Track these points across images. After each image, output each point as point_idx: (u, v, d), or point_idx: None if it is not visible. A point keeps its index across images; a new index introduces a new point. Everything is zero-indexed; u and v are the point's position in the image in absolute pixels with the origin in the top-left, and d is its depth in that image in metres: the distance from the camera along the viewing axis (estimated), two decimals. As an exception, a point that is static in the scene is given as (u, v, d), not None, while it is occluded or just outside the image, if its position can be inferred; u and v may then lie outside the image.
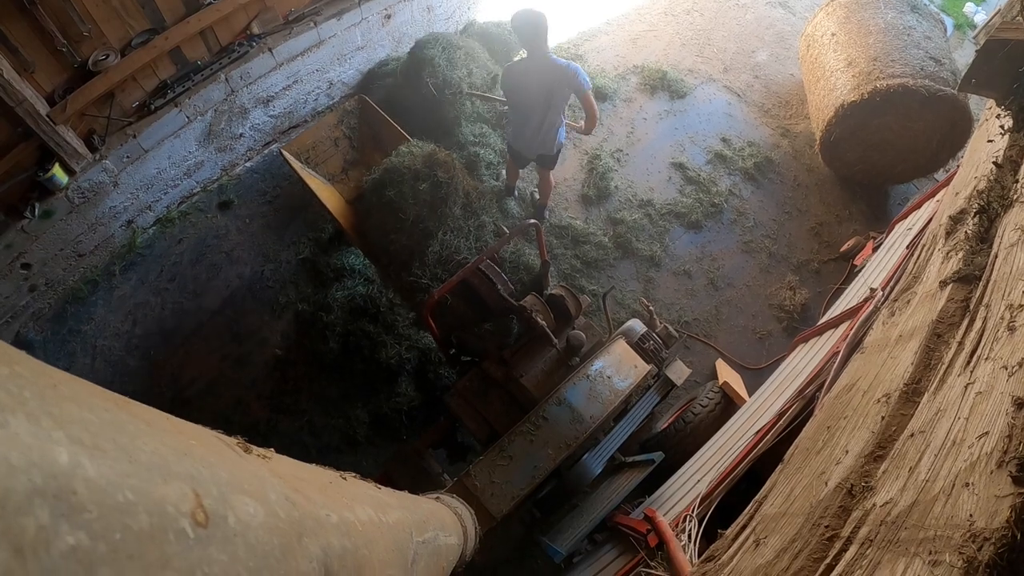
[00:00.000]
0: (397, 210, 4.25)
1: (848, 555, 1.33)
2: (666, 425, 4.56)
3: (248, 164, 6.15)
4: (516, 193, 6.00)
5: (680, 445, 4.24)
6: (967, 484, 1.10)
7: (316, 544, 0.63)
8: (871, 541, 1.29)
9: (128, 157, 5.10)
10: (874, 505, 1.37)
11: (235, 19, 5.33)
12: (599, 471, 3.78)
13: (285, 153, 5.10)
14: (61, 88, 4.60)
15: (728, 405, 4.43)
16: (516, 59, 4.66)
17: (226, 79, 5.36)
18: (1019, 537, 0.93)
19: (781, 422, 2.78)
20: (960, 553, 1.00)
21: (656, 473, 3.91)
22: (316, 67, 6.04)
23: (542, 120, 4.79)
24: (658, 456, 3.90)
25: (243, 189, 6.03)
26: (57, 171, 4.71)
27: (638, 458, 4.06)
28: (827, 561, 1.38)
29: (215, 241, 5.70)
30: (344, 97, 6.50)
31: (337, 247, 5.59)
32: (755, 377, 4.96)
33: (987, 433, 1.13)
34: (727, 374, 4.86)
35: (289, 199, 5.99)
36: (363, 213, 4.53)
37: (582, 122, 4.82)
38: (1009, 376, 1.17)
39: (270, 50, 5.51)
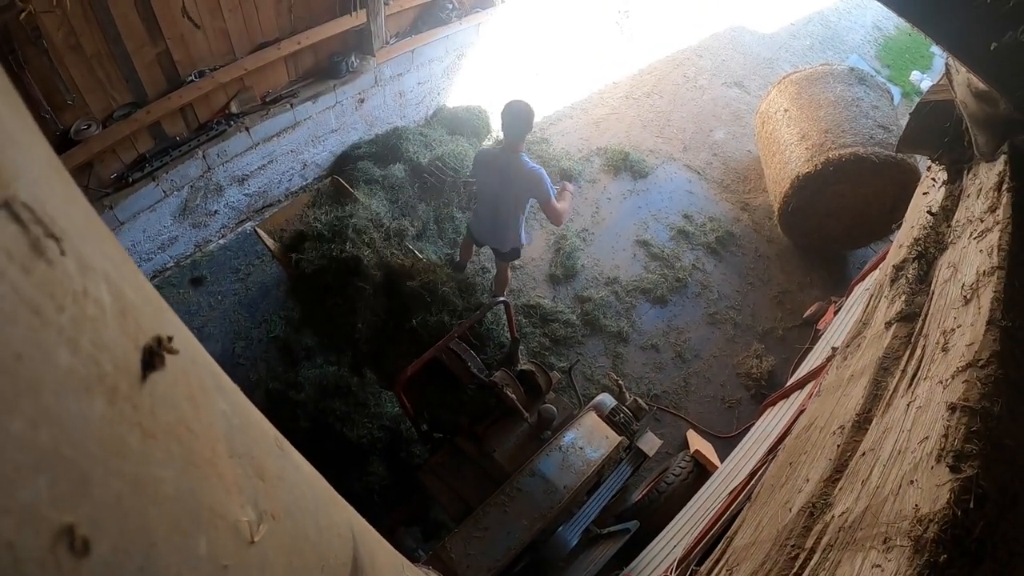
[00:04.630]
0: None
1: (812, 562, 1.41)
2: (640, 496, 4.56)
3: (222, 241, 6.18)
4: (465, 271, 5.82)
5: (655, 515, 4.23)
6: (912, 482, 1.20)
7: (344, 513, 0.76)
8: (832, 546, 1.37)
9: (103, 228, 5.09)
10: (833, 517, 1.45)
11: (214, 97, 5.45)
12: (575, 543, 3.76)
13: (259, 231, 5.17)
14: (41, 154, 4.61)
15: (701, 473, 4.45)
16: (490, 144, 4.68)
17: (203, 156, 5.45)
18: (959, 515, 1.04)
19: (753, 482, 2.83)
20: (909, 536, 1.09)
21: (632, 545, 3.90)
22: (291, 148, 6.17)
23: (497, 212, 4.73)
24: (633, 525, 3.89)
25: (216, 266, 6.03)
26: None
27: (613, 528, 4.05)
28: (794, 571, 1.44)
29: (186, 317, 5.65)
30: (317, 179, 6.63)
31: (307, 326, 5.57)
32: (726, 445, 5.00)
33: (927, 438, 1.24)
34: (698, 443, 4.89)
35: (261, 277, 6.01)
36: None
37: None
38: (944, 389, 1.28)
39: (247, 129, 5.63)
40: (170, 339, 0.46)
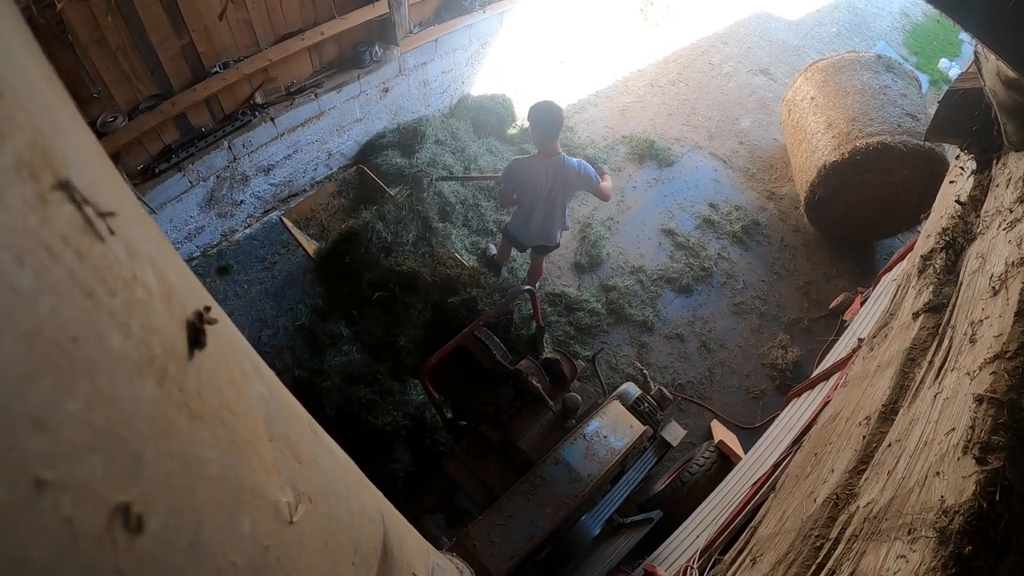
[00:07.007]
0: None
1: (837, 552, 1.41)
2: (663, 486, 4.55)
3: (248, 231, 6.24)
4: (503, 272, 5.93)
5: (678, 505, 4.23)
6: (938, 473, 1.20)
7: (375, 498, 0.79)
8: (856, 536, 1.37)
9: (130, 220, 5.16)
10: (858, 507, 1.44)
11: (239, 88, 5.50)
12: (597, 531, 3.77)
13: (285, 220, 5.22)
14: (67, 148, 4.69)
15: (724, 463, 4.42)
16: (523, 156, 4.65)
17: (229, 146, 5.50)
18: (985, 506, 1.03)
19: (777, 472, 2.82)
20: (934, 527, 1.09)
21: (654, 535, 3.90)
22: (316, 138, 6.20)
23: (549, 215, 4.78)
24: (656, 514, 3.89)
25: (242, 255, 6.09)
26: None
27: (636, 517, 4.06)
28: (818, 561, 1.44)
29: (213, 306, 5.71)
30: (342, 168, 6.66)
31: (333, 314, 5.62)
32: (751, 436, 4.98)
33: (954, 429, 1.24)
34: (722, 433, 4.87)
35: (287, 265, 6.06)
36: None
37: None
38: (971, 380, 1.27)
39: (272, 120, 5.66)
40: (207, 309, 0.48)
